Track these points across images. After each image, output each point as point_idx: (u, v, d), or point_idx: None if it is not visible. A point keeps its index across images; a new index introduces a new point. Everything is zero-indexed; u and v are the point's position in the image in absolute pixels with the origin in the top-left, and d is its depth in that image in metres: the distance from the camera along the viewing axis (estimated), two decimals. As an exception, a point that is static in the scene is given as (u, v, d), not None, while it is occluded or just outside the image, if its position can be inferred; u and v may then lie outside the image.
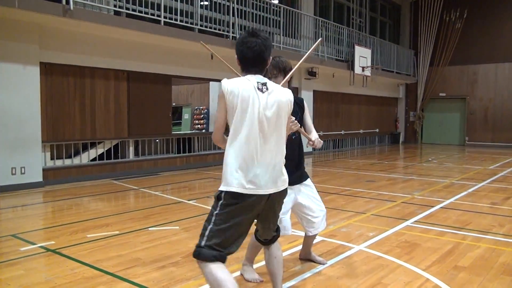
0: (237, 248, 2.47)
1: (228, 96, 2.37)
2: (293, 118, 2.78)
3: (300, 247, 4.16)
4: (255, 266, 3.68)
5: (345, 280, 3.50)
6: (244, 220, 2.45)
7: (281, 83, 3.01)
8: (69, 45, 8.43)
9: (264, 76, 2.55)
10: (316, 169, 11.48)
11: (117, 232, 4.91)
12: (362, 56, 15.55)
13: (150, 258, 4.03)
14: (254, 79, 2.43)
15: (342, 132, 16.94)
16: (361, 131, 18.11)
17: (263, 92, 2.41)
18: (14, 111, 7.49)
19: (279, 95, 2.46)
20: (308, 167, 12.03)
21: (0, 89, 7.34)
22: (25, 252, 4.19)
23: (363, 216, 5.80)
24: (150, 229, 5.08)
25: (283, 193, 2.59)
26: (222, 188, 2.45)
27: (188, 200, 6.78)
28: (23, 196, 7.14)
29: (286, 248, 4.32)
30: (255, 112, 2.38)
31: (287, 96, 2.52)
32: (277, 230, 2.80)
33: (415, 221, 5.53)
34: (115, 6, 8.73)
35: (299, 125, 3.06)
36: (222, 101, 2.40)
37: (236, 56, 2.53)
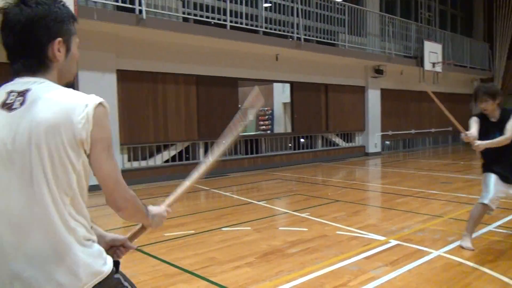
0: None
1: None
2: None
3: (375, 250, 4.07)
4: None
5: (425, 287, 3.38)
6: None
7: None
8: (142, 52, 8.86)
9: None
10: (385, 170, 11.17)
11: (192, 232, 5.09)
12: (432, 51, 14.88)
13: (225, 257, 4.13)
14: (4, 88, 1.31)
15: (412, 131, 16.31)
16: (433, 130, 17.33)
17: (11, 110, 1.25)
18: (94, 116, 7.99)
19: (40, 109, 1.22)
20: (376, 168, 11.75)
21: (82, 96, 7.87)
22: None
23: (440, 219, 5.55)
24: (223, 229, 5.21)
25: None
26: None
27: (258, 201, 6.87)
28: (103, 196, 7.58)
29: (360, 252, 4.24)
30: None
31: (66, 104, 1.24)
32: None
33: (498, 225, 5.21)
34: (183, 13, 9.05)
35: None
36: None
37: None
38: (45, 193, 1.22)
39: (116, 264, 1.46)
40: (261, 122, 16.84)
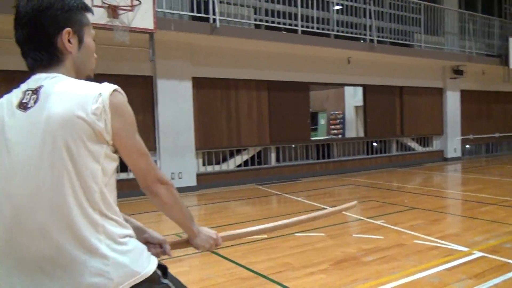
0: None
1: None
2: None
3: (457, 262, 3.86)
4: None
5: (516, 303, 3.15)
6: None
7: None
8: (216, 60, 9.13)
9: None
10: (466, 176, 10.54)
11: (265, 236, 5.14)
12: (519, 49, 13.81)
13: (299, 263, 4.13)
14: (21, 89, 1.28)
15: (496, 135, 15.23)
16: (519, 133, 16.08)
17: (26, 109, 1.23)
18: (172, 122, 8.38)
19: (54, 105, 1.19)
20: (456, 174, 11.15)
21: (161, 103, 8.28)
22: (187, 251, 4.64)
23: (530, 230, 5.14)
24: (296, 234, 5.21)
25: None
26: None
27: (331, 207, 6.77)
28: (181, 199, 7.90)
29: (441, 262, 4.04)
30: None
31: (79, 96, 1.21)
32: None
33: None
34: (255, 20, 9.22)
35: None
36: None
37: None
38: (67, 192, 1.17)
39: (164, 268, 1.37)
40: (332, 127, 16.62)
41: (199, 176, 8.91)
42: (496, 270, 3.82)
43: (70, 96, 1.19)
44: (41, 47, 1.26)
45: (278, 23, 9.35)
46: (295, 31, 9.47)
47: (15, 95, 1.26)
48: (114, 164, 1.27)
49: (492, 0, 15.55)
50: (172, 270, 4.11)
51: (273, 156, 10.17)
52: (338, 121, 16.43)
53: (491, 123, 15.11)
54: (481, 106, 14.75)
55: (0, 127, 1.22)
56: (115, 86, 1.24)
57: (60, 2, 1.26)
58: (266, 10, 9.35)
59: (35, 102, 1.20)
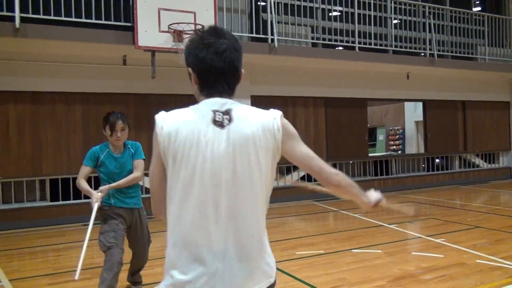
0: None
1: (164, 143, 1.49)
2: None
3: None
4: None
5: None
6: None
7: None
8: (273, 78, 9.40)
9: None
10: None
11: (322, 252, 5.24)
12: None
13: (356, 279, 4.19)
14: (208, 107, 1.51)
15: None
16: None
17: (223, 127, 1.48)
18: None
19: (244, 125, 1.49)
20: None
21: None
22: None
23: None
24: (353, 251, 5.25)
25: None
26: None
27: (389, 224, 6.73)
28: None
29: (504, 283, 3.94)
30: (204, 168, 1.46)
31: (261, 120, 1.51)
32: None
33: None
34: (312, 38, 9.40)
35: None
36: (156, 149, 1.52)
37: (189, 70, 1.57)
38: (258, 193, 1.49)
39: None
40: (391, 142, 16.31)
41: (257, 191, 9.11)
42: None
43: (255, 119, 1.51)
44: (234, 79, 1.58)
45: (335, 40, 9.47)
46: (353, 48, 9.54)
47: (202, 113, 1.50)
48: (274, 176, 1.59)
49: None
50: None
51: (330, 172, 10.19)
52: (397, 136, 16.10)
53: None
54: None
55: (196, 138, 1.46)
56: (280, 112, 1.58)
57: (241, 47, 1.60)
58: (323, 28, 9.52)
59: (229, 121, 1.49)
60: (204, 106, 1.52)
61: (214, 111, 1.49)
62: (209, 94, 1.54)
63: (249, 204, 1.47)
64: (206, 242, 1.45)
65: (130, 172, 3.55)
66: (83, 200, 7.37)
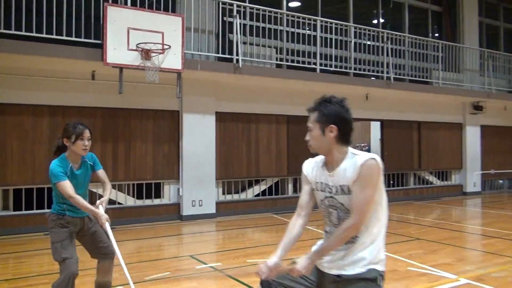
0: None
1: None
2: None
3: (442, 287, 4.23)
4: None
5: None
6: None
7: None
8: (238, 96, 9.85)
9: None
10: (480, 211, 10.72)
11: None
12: (541, 85, 13.96)
13: None
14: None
15: (520, 170, 15.19)
16: (546, 168, 15.93)
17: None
18: (196, 153, 9.07)
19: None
20: (471, 208, 11.30)
21: (186, 135, 9.01)
22: (200, 270, 5.20)
23: (522, 262, 5.42)
24: (296, 259, 5.67)
25: None
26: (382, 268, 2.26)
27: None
28: (200, 225, 8.52)
29: (428, 287, 4.42)
30: None
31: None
32: None
33: None
34: (276, 59, 9.94)
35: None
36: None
37: (337, 128, 2.29)
38: None
39: None
40: (357, 158, 17.03)
41: (219, 204, 9.50)
42: (474, 295, 4.19)
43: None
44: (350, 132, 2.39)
45: (298, 62, 10.01)
46: (314, 69, 10.10)
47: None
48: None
49: (515, 37, 15.83)
50: (182, 285, 4.70)
51: (290, 186, 10.67)
52: (362, 153, 16.80)
53: (515, 158, 15.11)
54: (503, 141, 14.83)
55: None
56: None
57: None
58: (287, 50, 10.07)
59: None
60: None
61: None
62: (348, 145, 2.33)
63: None
64: None
65: (88, 184, 3.68)
66: (46, 210, 7.57)
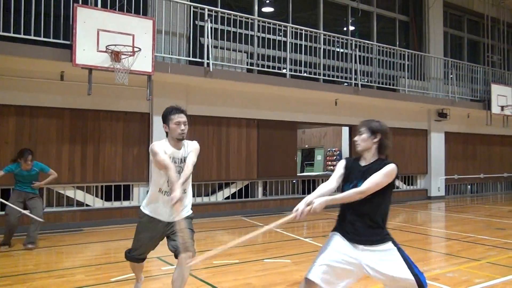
0: None
1: None
2: None
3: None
4: None
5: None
6: None
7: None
8: (209, 99, 9.94)
9: None
10: (442, 214, 11.11)
11: (237, 261, 5.75)
12: (501, 94, 14.59)
13: (261, 284, 4.73)
14: None
15: (482, 175, 15.83)
16: (505, 174, 16.65)
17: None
18: (165, 156, 9.07)
19: None
20: (434, 212, 11.67)
21: (156, 138, 9.00)
22: (165, 271, 5.25)
23: (476, 263, 5.70)
24: (265, 260, 5.81)
25: None
26: None
27: (305, 238, 7.37)
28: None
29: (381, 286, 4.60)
30: None
31: None
32: None
33: None
34: (247, 64, 10.08)
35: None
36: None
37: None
38: None
39: None
40: (329, 162, 17.33)
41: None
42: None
43: None
44: None
45: (268, 67, 10.17)
46: (285, 75, 10.29)
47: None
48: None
49: (477, 48, 16.49)
50: (149, 286, 4.75)
51: (260, 190, 10.81)
52: (334, 157, 17.12)
53: (476, 164, 15.72)
54: (466, 147, 15.41)
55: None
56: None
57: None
58: (258, 55, 10.22)
59: None
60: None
61: None
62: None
63: None
64: None
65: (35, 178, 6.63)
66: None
